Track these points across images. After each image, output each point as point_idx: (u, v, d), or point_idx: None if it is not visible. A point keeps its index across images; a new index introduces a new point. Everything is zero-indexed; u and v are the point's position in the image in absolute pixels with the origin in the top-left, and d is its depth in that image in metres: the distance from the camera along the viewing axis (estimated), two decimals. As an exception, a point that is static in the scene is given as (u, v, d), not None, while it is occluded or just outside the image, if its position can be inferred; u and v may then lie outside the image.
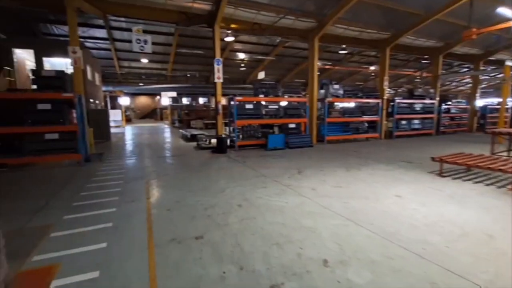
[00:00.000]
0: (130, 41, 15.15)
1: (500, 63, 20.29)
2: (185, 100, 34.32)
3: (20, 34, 14.65)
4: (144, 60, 22.69)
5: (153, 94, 37.92)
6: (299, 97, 12.26)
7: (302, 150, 10.95)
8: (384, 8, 11.61)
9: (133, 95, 38.05)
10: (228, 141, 10.85)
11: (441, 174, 6.45)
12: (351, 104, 15.26)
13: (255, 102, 11.40)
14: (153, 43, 19.41)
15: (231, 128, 12.14)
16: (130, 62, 23.87)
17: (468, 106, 18.36)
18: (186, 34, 17.93)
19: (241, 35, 16.83)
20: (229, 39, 16.13)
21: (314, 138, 12.64)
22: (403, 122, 15.19)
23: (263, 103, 11.57)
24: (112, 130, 18.18)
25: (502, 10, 10.01)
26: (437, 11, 11.69)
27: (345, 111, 13.36)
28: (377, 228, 3.64)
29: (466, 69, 21.28)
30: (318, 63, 28.54)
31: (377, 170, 7.18)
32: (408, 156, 9.25)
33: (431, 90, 16.13)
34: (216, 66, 10.41)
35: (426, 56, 17.50)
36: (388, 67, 14.74)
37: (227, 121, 11.97)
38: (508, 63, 12.16)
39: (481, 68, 18.75)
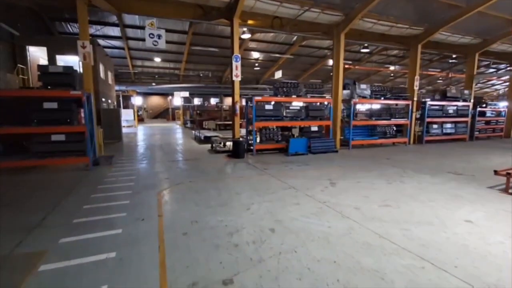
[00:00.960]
0: (143, 39, 14.65)
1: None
2: (196, 101, 33.83)
3: (35, 32, 14.30)
4: (157, 59, 22.20)
5: (165, 94, 37.64)
6: (322, 97, 11.27)
7: (326, 156, 9.97)
8: (419, 0, 10.47)
9: (145, 94, 37.92)
10: (245, 144, 10.00)
11: (507, 190, 5.36)
12: (376, 106, 14.14)
13: (274, 102, 10.50)
14: (167, 42, 18.84)
15: (247, 130, 11.30)
16: (143, 61, 23.43)
17: (504, 109, 16.84)
18: (200, 32, 17.26)
19: (258, 32, 16.00)
20: (245, 36, 15.36)
21: (337, 143, 11.62)
22: (435, 126, 13.93)
23: (285, 104, 10.65)
24: (124, 130, 17.67)
25: None
26: (480, 3, 10.46)
27: (372, 114, 12.27)
28: (468, 275, 2.67)
29: (503, 69, 19.67)
30: (332, 63, 27.42)
31: (424, 183, 6.14)
32: (453, 166, 8.12)
33: (466, 92, 14.78)
34: (234, 63, 9.58)
35: (456, 55, 16.12)
36: (419, 66, 13.53)
37: (240, 122, 11.11)
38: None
39: (520, 67, 17.20)
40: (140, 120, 33.59)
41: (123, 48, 19.35)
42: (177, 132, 21.40)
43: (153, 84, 29.17)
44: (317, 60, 25.84)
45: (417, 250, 3.16)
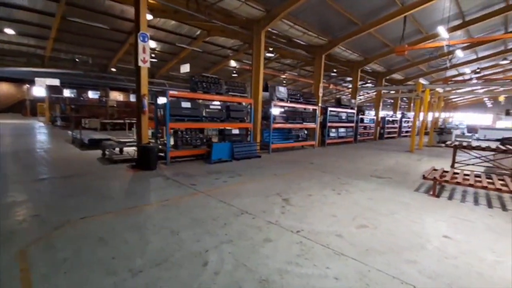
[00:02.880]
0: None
1: (393, 81, 24.09)
2: (68, 92, 26.45)
3: None
4: (9, 31, 15.60)
5: (20, 80, 28.03)
6: (244, 97, 10.28)
7: (252, 162, 9.02)
8: (331, 10, 11.03)
9: (-16, 79, 27.00)
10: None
11: (434, 194, 5.78)
12: (291, 110, 14.40)
13: (193, 100, 8.73)
14: (26, 9, 13.61)
15: (156, 132, 9.05)
16: (-19, 31, 16.11)
17: (374, 117, 20.71)
18: (78, 4, 13.12)
19: (165, 15, 13.50)
20: (148, 17, 12.63)
21: (258, 147, 10.92)
22: (333, 130, 15.43)
23: (204, 102, 9.02)
24: None
25: (440, 29, 10.97)
26: (373, 24, 12.01)
27: (288, 117, 12.24)
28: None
29: (370, 84, 24.25)
30: (234, 64, 27.13)
31: (366, 191, 6.00)
32: (367, 168, 8.68)
33: (352, 101, 17.14)
34: (141, 44, 7.22)
35: (345, 69, 18.60)
36: (322, 74, 14.61)
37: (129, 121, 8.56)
38: (421, 81, 13.80)
39: (384, 84, 21.56)
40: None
41: None
42: (42, 132, 15.82)
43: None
44: (220, 59, 24.85)
45: (455, 297, 2.46)
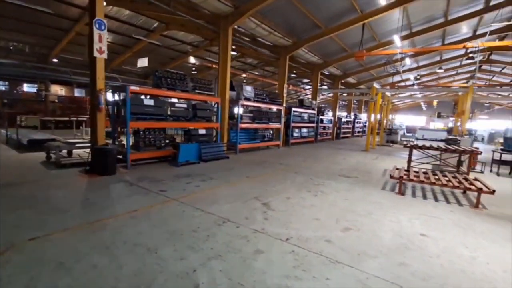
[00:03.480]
0: None
1: (347, 84, 25.58)
2: (-2, 84, 22.77)
3: None
4: None
5: None
6: (211, 95, 9.80)
7: (221, 164, 8.66)
8: (298, 12, 11.14)
9: None
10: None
11: (400, 192, 6.14)
12: (257, 110, 14.28)
13: (156, 97, 8.03)
14: None
15: (113, 132, 8.14)
16: None
17: (331, 118, 21.75)
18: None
19: (118, 1, 12.25)
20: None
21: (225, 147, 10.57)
22: (296, 130, 15.75)
23: (169, 100, 8.36)
24: None
25: (395, 38, 11.80)
26: (335, 28, 12.49)
27: (254, 117, 12.09)
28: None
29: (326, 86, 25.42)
30: (194, 61, 26.14)
31: (341, 191, 6.13)
32: (332, 168, 8.96)
33: (313, 102, 17.72)
34: (96, 32, 6.34)
35: (307, 70, 19.15)
36: (286, 75, 14.78)
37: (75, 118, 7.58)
38: (375, 85, 14.81)
39: (340, 87, 22.76)
40: None
41: None
42: (-39, 131, 13.20)
43: None
44: (178, 55, 23.64)
45: (451, 298, 2.52)
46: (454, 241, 3.79)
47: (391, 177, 6.27)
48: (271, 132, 13.38)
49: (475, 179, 6.19)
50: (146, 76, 28.73)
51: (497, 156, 9.99)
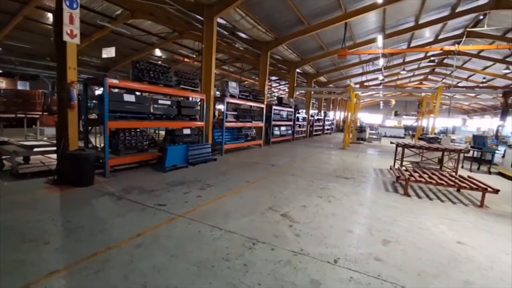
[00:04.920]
0: None
1: (318, 83, 26.00)
2: None
3: None
4: None
5: None
6: (196, 91, 8.89)
7: (210, 167, 7.92)
8: (284, 5, 10.67)
9: None
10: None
11: (407, 193, 6.07)
12: (241, 108, 13.59)
13: (137, 93, 6.98)
14: None
15: (86, 133, 6.90)
16: None
17: (305, 116, 21.90)
18: None
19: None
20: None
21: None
22: (276, 128, 15.42)
23: (152, 96, 7.32)
24: None
25: (378, 39, 11.95)
26: (318, 25, 12.33)
27: (239, 115, 11.42)
28: None
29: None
30: (160, 54, 24.45)
31: (350, 195, 5.85)
32: (324, 168, 8.76)
33: (291, 100, 17.56)
34: (67, 10, 5.16)
35: (284, 67, 18.91)
36: (268, 72, 14.31)
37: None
38: (351, 84, 15.06)
39: (313, 85, 22.99)
40: None
41: None
42: None
43: None
44: (143, 46, 21.82)
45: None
46: (491, 248, 3.68)
47: (398, 178, 6.18)
48: (254, 131, 12.84)
49: (469, 177, 6.40)
50: (106, 68, 26.13)
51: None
